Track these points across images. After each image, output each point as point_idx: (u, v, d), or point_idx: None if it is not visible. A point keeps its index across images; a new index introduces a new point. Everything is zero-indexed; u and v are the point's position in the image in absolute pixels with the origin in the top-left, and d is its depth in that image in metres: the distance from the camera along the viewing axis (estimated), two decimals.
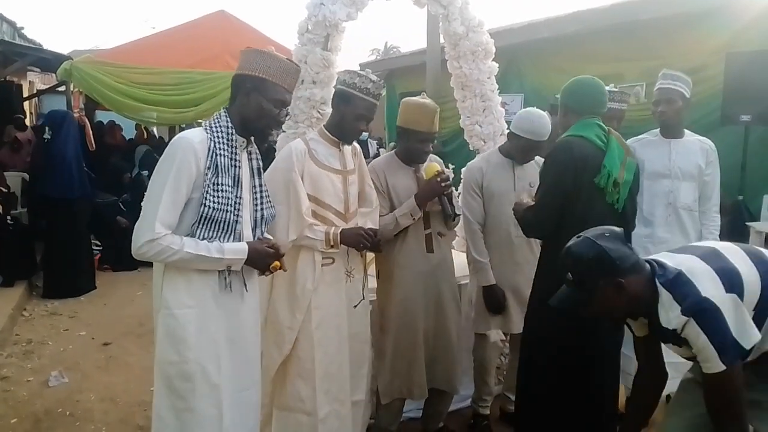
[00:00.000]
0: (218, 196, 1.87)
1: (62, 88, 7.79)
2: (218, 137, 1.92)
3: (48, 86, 10.97)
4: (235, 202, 1.93)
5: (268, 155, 2.84)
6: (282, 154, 2.48)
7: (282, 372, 2.46)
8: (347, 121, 2.43)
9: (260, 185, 2.08)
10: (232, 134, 1.95)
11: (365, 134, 9.46)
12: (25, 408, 3.42)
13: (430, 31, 10.11)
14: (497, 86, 3.74)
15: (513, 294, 2.89)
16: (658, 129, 3.13)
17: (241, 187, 1.97)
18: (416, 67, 11.75)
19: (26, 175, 6.54)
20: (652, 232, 3.03)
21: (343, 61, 3.30)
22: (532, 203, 2.53)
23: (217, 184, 1.87)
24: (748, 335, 1.69)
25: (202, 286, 1.92)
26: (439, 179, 2.59)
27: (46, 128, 5.66)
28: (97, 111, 9.55)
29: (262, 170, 2.11)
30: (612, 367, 2.47)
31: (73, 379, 3.81)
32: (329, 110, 3.24)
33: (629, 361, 3.02)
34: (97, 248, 6.56)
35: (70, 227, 5.62)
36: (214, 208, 1.86)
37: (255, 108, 1.96)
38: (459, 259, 3.06)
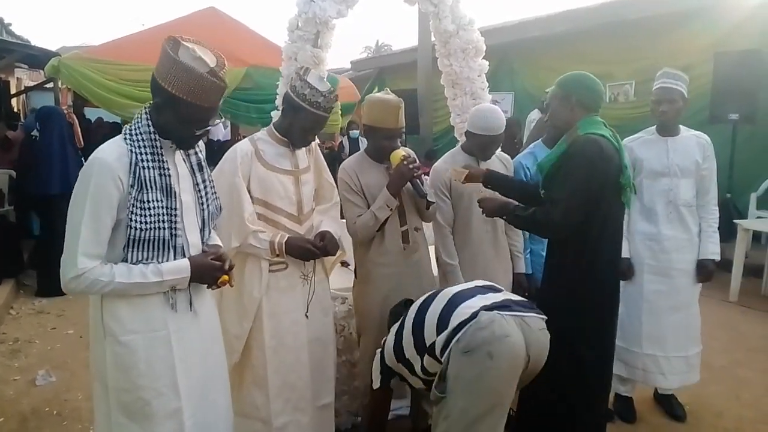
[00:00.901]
0: (147, 215, 1.69)
1: (50, 85, 7.73)
2: (140, 146, 1.72)
3: (36, 83, 10.88)
4: (170, 215, 1.75)
5: None
6: (227, 156, 2.36)
7: (238, 379, 2.40)
8: (295, 130, 2.35)
9: (204, 181, 1.91)
10: (155, 139, 1.75)
11: (356, 132, 9.48)
12: (12, 407, 3.38)
13: (421, 29, 10.13)
14: (488, 84, 3.74)
15: None
16: (654, 127, 3.14)
17: (175, 197, 1.78)
18: (408, 64, 11.78)
19: (13, 173, 6.47)
20: (656, 230, 3.05)
21: (334, 59, 3.30)
22: (509, 200, 2.54)
23: (144, 201, 1.69)
24: None
25: (146, 309, 1.77)
26: (405, 163, 2.53)
27: (37, 125, 5.61)
28: (85, 108, 9.47)
29: (203, 163, 1.93)
30: (610, 366, 2.49)
31: (60, 378, 3.77)
32: None
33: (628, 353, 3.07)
34: None
35: (58, 224, 5.55)
36: (142, 229, 1.69)
37: (169, 122, 1.75)
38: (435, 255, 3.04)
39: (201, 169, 1.91)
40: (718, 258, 3.10)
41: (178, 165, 1.84)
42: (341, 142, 9.37)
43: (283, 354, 2.38)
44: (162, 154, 1.76)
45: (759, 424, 3.21)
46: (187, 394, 1.83)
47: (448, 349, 1.98)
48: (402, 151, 2.60)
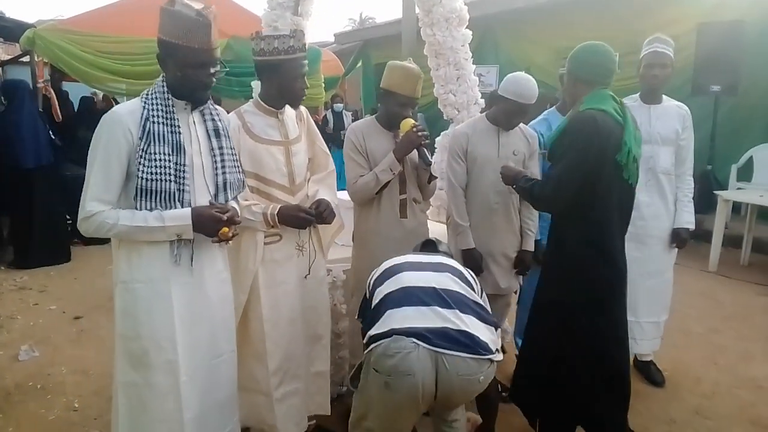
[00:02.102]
0: (153, 166, 1.80)
1: (27, 59, 7.53)
2: (153, 104, 1.84)
3: (11, 56, 10.60)
4: (177, 170, 1.84)
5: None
6: None
7: (238, 352, 2.40)
8: (285, 88, 2.30)
9: (220, 147, 1.99)
10: (168, 98, 1.87)
11: (340, 105, 9.39)
12: None
13: (405, 1, 9.99)
14: (471, 55, 3.71)
15: (488, 257, 2.91)
16: (638, 94, 3.15)
17: (184, 154, 1.87)
18: (392, 37, 11.62)
19: None
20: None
21: (318, 32, 3.25)
22: (523, 171, 2.53)
23: (151, 153, 1.80)
24: None
25: (152, 259, 1.88)
26: (415, 130, 2.58)
27: (1, 98, 5.51)
28: (63, 81, 9.27)
29: (222, 131, 2.01)
30: (625, 339, 2.43)
31: (43, 352, 3.76)
32: None
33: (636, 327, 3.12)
34: (67, 222, 6.41)
35: (35, 198, 5.52)
36: (148, 179, 1.80)
37: (174, 74, 1.86)
38: (434, 229, 3.07)
39: (218, 135, 1.99)
40: (692, 227, 3.14)
41: (192, 127, 1.93)
42: (325, 115, 9.28)
43: (280, 326, 2.40)
44: (174, 113, 1.87)
45: (734, 388, 3.29)
46: (185, 350, 1.90)
47: (366, 351, 1.93)
48: (412, 121, 2.65)
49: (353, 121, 10.55)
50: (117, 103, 9.18)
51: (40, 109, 6.50)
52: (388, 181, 2.64)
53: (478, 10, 4.77)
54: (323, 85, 7.70)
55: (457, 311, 1.92)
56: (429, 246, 2.44)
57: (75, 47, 6.24)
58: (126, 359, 1.91)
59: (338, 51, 12.32)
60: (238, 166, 2.06)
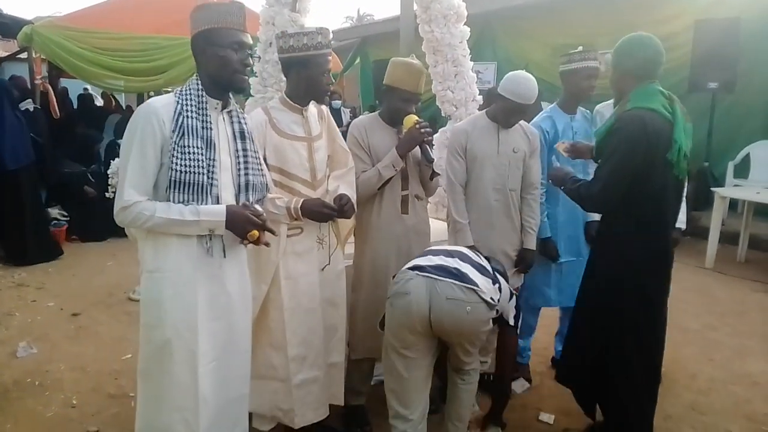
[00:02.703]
0: (186, 158, 1.84)
1: (24, 55, 7.52)
2: (186, 100, 1.89)
3: (9, 53, 10.58)
4: (209, 165, 1.89)
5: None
6: None
7: (254, 341, 2.41)
8: (313, 82, 2.38)
9: (245, 149, 2.04)
10: (202, 95, 1.92)
11: (338, 102, 9.39)
12: None
13: None
14: (469, 52, 3.72)
15: (488, 255, 2.92)
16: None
17: (215, 149, 1.92)
18: (390, 34, 11.61)
19: None
20: None
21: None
22: (571, 172, 2.57)
23: (185, 146, 1.84)
24: None
25: (180, 250, 1.90)
26: (418, 126, 2.59)
27: None
28: (61, 78, 9.26)
29: (247, 134, 2.07)
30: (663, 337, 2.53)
31: (42, 349, 3.76)
32: None
33: None
34: (65, 219, 6.42)
35: (23, 196, 5.52)
36: (182, 171, 1.83)
37: (214, 60, 1.91)
38: (433, 226, 3.07)
39: (243, 138, 2.04)
40: (684, 227, 3.15)
41: (220, 127, 1.98)
42: None
43: (300, 315, 2.44)
44: (207, 109, 1.91)
45: (729, 384, 3.31)
46: (205, 342, 1.93)
47: None
48: (416, 117, 2.65)
49: (351, 118, 10.57)
50: (116, 100, 9.20)
51: (38, 106, 6.50)
52: (391, 177, 2.65)
53: (476, 7, 4.76)
54: None
55: (458, 260, 2.27)
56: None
57: (73, 44, 6.23)
58: (148, 348, 1.94)
59: (336, 48, 12.30)
60: (261, 169, 2.10)
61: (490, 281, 2.26)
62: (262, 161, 2.17)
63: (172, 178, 1.83)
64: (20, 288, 4.99)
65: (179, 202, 1.85)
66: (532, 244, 2.99)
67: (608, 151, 2.28)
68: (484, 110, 3.05)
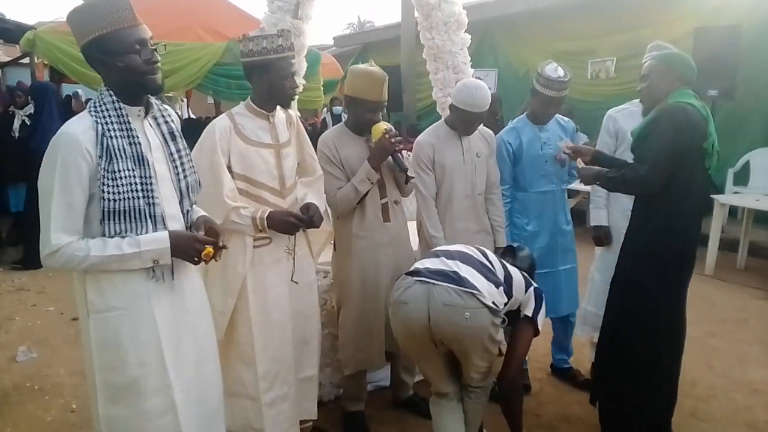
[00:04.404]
0: (118, 185, 1.66)
1: (26, 60, 7.55)
2: (105, 117, 1.69)
3: (11, 58, 10.62)
4: (143, 184, 1.71)
5: None
6: (205, 133, 2.31)
7: (223, 357, 2.33)
8: (275, 87, 2.30)
9: (178, 150, 1.85)
10: (119, 108, 1.71)
11: (339, 108, 9.42)
12: None
13: (404, 4, 10.03)
14: (471, 60, 3.73)
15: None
16: (639, 99, 3.16)
17: (148, 165, 1.73)
18: (391, 40, 11.68)
19: None
20: None
21: (316, 36, 3.25)
22: (600, 169, 2.68)
23: (114, 171, 1.66)
24: None
25: (128, 284, 1.74)
26: (387, 136, 2.54)
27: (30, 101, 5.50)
28: (63, 84, 9.28)
29: (176, 132, 1.88)
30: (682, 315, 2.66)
31: (41, 354, 3.77)
32: (299, 80, 3.21)
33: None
34: None
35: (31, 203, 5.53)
36: (115, 200, 1.66)
37: (117, 70, 1.69)
38: (413, 228, 3.05)
39: (174, 138, 1.86)
40: None
41: (148, 134, 1.79)
42: (324, 118, 9.31)
43: (269, 329, 2.37)
44: (129, 122, 1.72)
45: (730, 392, 3.31)
46: (175, 368, 1.80)
47: None
48: (384, 125, 2.59)
49: None
50: None
51: None
52: (368, 191, 2.61)
53: (476, 14, 4.79)
54: (322, 88, 7.71)
55: (458, 262, 2.25)
56: (508, 254, 2.62)
57: (75, 49, 6.17)
58: (108, 393, 1.77)
59: (338, 54, 12.35)
60: (192, 166, 1.92)
61: (494, 285, 2.22)
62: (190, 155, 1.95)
63: (106, 209, 1.66)
64: (20, 292, 5.00)
65: (117, 233, 1.68)
66: (502, 241, 3.01)
67: (653, 136, 2.40)
68: (443, 119, 3.04)
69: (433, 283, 2.14)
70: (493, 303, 2.14)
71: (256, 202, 2.33)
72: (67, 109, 8.47)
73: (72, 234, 1.65)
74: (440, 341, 2.21)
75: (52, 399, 3.20)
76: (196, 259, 1.78)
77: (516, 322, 2.37)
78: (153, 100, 1.84)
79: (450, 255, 2.30)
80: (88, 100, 9.30)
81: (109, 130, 1.68)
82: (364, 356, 2.70)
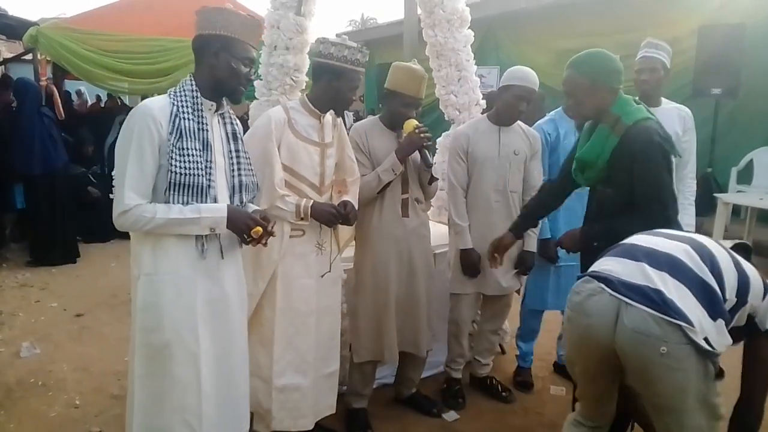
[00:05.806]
0: (185, 161, 1.83)
1: (29, 57, 7.54)
2: (182, 102, 1.88)
3: (14, 54, 10.62)
4: (206, 166, 1.89)
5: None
6: (260, 121, 2.43)
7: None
8: (340, 95, 2.42)
9: (237, 150, 2.04)
10: (197, 97, 1.91)
11: None
12: None
13: (407, 2, 9.99)
14: (473, 56, 3.73)
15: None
16: (636, 98, 3.15)
17: (212, 150, 1.92)
18: (394, 38, 11.62)
19: None
20: None
21: (319, 34, 3.24)
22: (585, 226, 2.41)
23: (183, 148, 1.83)
24: None
25: (178, 252, 1.90)
26: (418, 131, 2.62)
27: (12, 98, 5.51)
28: (66, 80, 9.29)
29: (239, 135, 2.07)
30: None
31: (45, 349, 3.78)
32: (302, 77, 3.21)
33: None
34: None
35: (41, 202, 5.57)
36: (181, 173, 1.83)
37: (225, 68, 1.92)
38: (435, 229, 3.09)
39: (236, 139, 2.05)
40: (692, 230, 3.14)
41: (215, 128, 1.98)
42: None
43: (291, 316, 2.44)
44: (202, 111, 1.92)
45: (733, 391, 3.28)
46: (206, 342, 1.93)
47: None
48: (416, 122, 2.68)
49: (355, 121, 10.60)
50: (122, 102, 9.23)
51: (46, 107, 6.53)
52: (390, 181, 2.67)
53: (479, 12, 4.79)
54: None
55: (667, 275, 1.70)
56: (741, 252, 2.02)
57: (78, 45, 6.24)
58: (145, 352, 1.92)
59: None
60: (252, 170, 2.10)
61: (709, 316, 1.65)
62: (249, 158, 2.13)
63: (171, 180, 1.83)
64: (24, 288, 5.02)
65: (178, 203, 1.85)
66: (532, 246, 3.01)
67: (642, 172, 2.13)
68: (486, 114, 3.08)
69: (626, 302, 1.67)
70: (705, 339, 1.60)
71: (296, 194, 2.42)
72: (91, 109, 8.51)
73: (142, 196, 1.82)
74: (623, 370, 1.79)
75: (56, 395, 3.21)
76: (245, 236, 1.94)
77: (753, 337, 1.87)
78: (225, 102, 2.02)
79: (656, 260, 1.75)
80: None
81: (182, 112, 1.87)
82: (374, 346, 2.74)
